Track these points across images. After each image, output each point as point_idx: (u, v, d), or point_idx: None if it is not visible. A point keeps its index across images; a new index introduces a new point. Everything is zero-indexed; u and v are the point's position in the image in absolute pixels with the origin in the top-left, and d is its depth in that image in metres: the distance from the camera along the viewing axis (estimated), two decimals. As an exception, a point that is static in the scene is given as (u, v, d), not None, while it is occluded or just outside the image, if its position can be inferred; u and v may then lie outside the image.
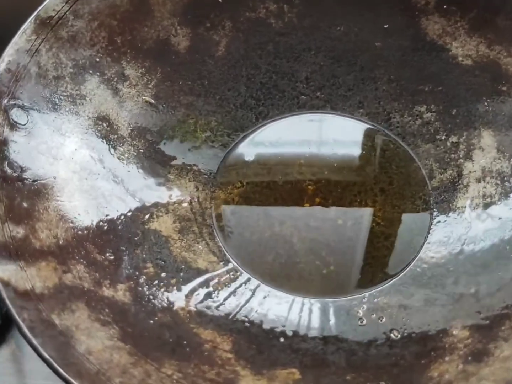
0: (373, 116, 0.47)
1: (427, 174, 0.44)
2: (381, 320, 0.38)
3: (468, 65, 0.46)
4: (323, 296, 0.40)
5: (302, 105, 0.48)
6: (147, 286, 0.39)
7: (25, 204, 0.37)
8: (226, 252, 0.42)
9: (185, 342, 0.36)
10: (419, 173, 0.45)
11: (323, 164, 0.46)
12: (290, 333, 0.38)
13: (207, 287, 0.40)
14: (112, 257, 0.39)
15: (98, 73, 0.44)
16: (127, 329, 0.35)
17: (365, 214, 0.44)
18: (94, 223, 0.40)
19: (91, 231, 0.39)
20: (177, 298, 0.39)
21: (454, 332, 0.36)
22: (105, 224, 0.40)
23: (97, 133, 0.43)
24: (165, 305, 0.38)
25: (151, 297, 0.38)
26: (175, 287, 0.39)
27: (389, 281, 0.40)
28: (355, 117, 0.47)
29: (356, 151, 0.46)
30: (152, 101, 0.46)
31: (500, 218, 0.41)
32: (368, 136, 0.47)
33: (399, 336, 0.37)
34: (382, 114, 0.47)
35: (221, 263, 0.41)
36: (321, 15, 0.48)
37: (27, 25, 0.41)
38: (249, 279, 0.41)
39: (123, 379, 0.32)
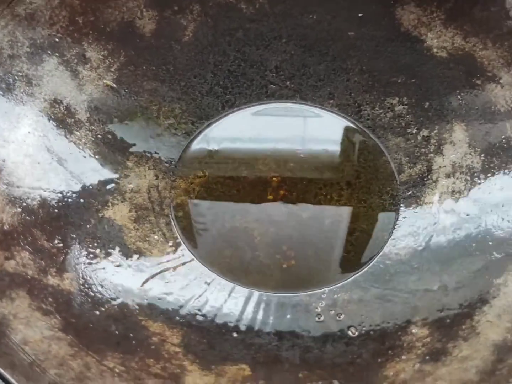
0: (344, 107, 0.46)
1: (396, 168, 0.43)
2: (339, 317, 0.36)
3: (443, 57, 0.44)
4: (281, 291, 0.38)
5: (271, 95, 0.47)
6: (96, 276, 0.37)
7: (-31, 186, 0.36)
8: (183, 243, 0.40)
9: (131, 334, 0.34)
10: (388, 167, 0.43)
11: (289, 155, 0.44)
12: (244, 328, 0.36)
13: (161, 278, 0.38)
14: (61, 245, 0.37)
15: (57, 54, 0.42)
16: (70, 319, 0.34)
17: (330, 208, 0.42)
18: (44, 209, 0.38)
19: (40, 216, 0.38)
20: (128, 288, 0.37)
21: (413, 331, 0.34)
22: (56, 210, 0.39)
23: (53, 116, 0.41)
24: (114, 295, 0.36)
25: (99, 287, 0.36)
26: (126, 278, 0.38)
27: (351, 277, 0.38)
28: (325, 108, 0.46)
29: (323, 143, 0.44)
30: (114, 85, 0.44)
31: (468, 215, 0.39)
32: (337, 128, 0.45)
33: (356, 333, 0.35)
34: (353, 105, 0.46)
35: (177, 254, 0.40)
36: (294, 2, 0.47)
37: (-19, 1, 0.39)
38: (205, 272, 0.39)
39: (60, 371, 0.30)
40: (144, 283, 0.38)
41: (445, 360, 0.32)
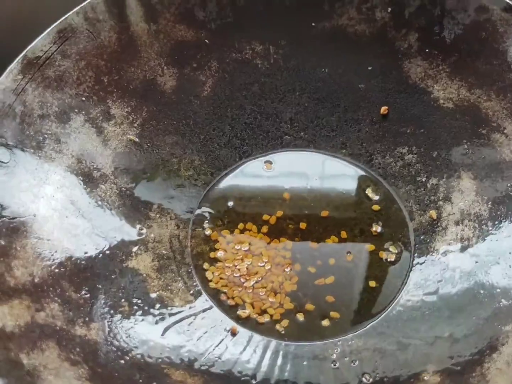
0: (356, 156, 0.48)
1: (407, 216, 0.45)
2: (354, 364, 0.38)
3: (450, 108, 0.46)
4: (297, 340, 0.40)
5: (286, 145, 0.49)
6: (121, 325, 0.39)
7: (2, 242, 0.38)
8: (203, 292, 0.42)
9: (155, 383, 0.36)
10: (400, 214, 0.45)
11: (303, 202, 0.46)
12: (262, 376, 0.38)
13: (182, 326, 0.40)
14: (87, 295, 0.39)
15: (83, 112, 0.45)
16: (96, 369, 0.35)
17: (346, 255, 0.43)
18: (72, 261, 0.40)
19: (68, 268, 0.40)
20: (151, 337, 0.39)
21: (425, 378, 0.36)
22: (83, 261, 0.41)
23: (79, 171, 0.44)
24: (138, 344, 0.38)
25: (124, 336, 0.38)
26: (149, 326, 0.40)
27: (365, 325, 0.40)
28: (338, 156, 0.48)
29: (337, 191, 0.46)
30: (137, 139, 0.46)
31: (476, 262, 0.40)
32: (350, 176, 0.47)
33: (370, 380, 0.37)
34: (365, 155, 0.48)
35: (197, 302, 0.41)
36: (307, 57, 0.49)
37: (14, 65, 0.42)
38: (224, 319, 0.41)
39: (88, 420, 0.32)
40: (165, 331, 0.39)
41: (456, 407, 0.33)
